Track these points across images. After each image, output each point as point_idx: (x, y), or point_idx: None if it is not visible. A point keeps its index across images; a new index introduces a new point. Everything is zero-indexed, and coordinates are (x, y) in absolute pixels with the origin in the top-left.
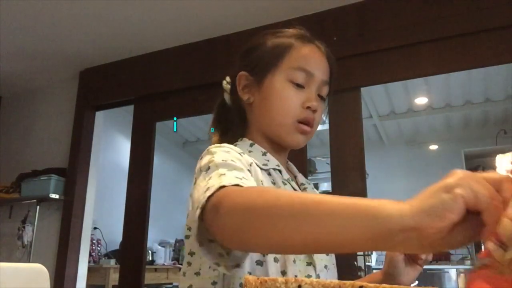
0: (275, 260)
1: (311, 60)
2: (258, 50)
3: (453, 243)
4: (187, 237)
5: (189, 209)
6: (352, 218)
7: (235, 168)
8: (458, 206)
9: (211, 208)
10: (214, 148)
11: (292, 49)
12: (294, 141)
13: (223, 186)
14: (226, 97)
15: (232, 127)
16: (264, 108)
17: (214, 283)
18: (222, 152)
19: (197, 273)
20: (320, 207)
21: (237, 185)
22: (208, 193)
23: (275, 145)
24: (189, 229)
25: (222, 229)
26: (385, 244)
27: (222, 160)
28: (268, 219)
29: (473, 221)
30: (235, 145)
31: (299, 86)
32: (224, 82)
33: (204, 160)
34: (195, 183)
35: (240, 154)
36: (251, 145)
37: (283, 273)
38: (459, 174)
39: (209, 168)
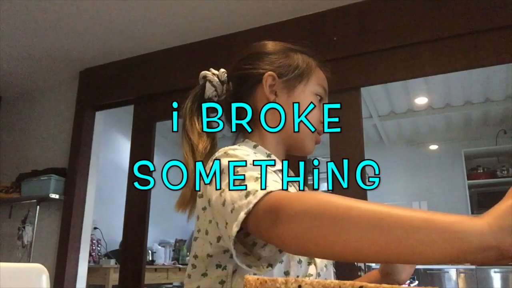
0: (280, 261)
1: (326, 81)
2: (287, 58)
3: None
4: (195, 239)
5: (200, 211)
6: (432, 234)
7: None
8: None
9: (266, 213)
10: (231, 150)
11: (316, 69)
12: (310, 149)
13: (270, 191)
14: (210, 89)
15: (240, 128)
16: (293, 112)
17: (222, 282)
18: (242, 154)
19: (204, 274)
20: (395, 220)
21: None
22: (254, 199)
23: (282, 149)
24: (199, 231)
25: (285, 236)
26: (463, 260)
27: (249, 164)
28: (340, 228)
29: None
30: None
31: (319, 100)
32: (209, 73)
33: (224, 162)
34: (210, 184)
35: (255, 155)
36: (254, 147)
37: (286, 273)
38: None
39: (236, 171)
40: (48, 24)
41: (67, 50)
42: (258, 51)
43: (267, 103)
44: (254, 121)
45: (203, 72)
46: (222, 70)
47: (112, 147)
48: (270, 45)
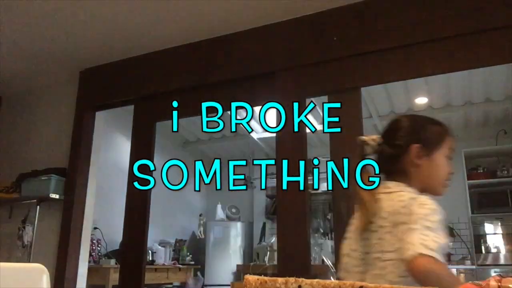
0: None
1: (453, 142)
2: (427, 132)
3: None
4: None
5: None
6: None
7: (441, 237)
8: None
9: (421, 264)
10: (431, 205)
11: (448, 136)
12: (441, 193)
13: (428, 255)
14: (369, 150)
15: (394, 174)
16: (432, 171)
17: None
18: (437, 214)
19: None
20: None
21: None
22: (422, 251)
23: (421, 192)
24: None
25: (424, 279)
26: None
27: (438, 226)
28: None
29: None
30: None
31: (449, 160)
32: (369, 138)
33: (426, 211)
34: (413, 217)
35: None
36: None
37: None
38: None
39: (429, 225)
40: (48, 24)
41: (67, 50)
42: (405, 127)
43: (413, 165)
44: (403, 173)
45: (362, 138)
46: (376, 136)
47: (112, 147)
48: (412, 122)
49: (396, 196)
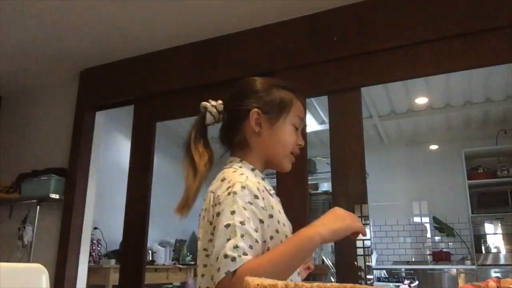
0: None
1: (303, 110)
2: (270, 95)
3: None
4: (199, 238)
5: (202, 214)
6: (304, 248)
7: (250, 235)
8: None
9: (237, 285)
10: (241, 191)
11: (295, 102)
12: (286, 167)
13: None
14: (209, 117)
15: (234, 146)
16: (273, 140)
17: None
18: (244, 196)
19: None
20: (291, 251)
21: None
22: (229, 268)
23: (265, 166)
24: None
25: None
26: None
27: (240, 223)
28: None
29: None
30: (240, 167)
31: (296, 128)
32: (209, 104)
33: (230, 201)
34: (220, 210)
35: (258, 189)
36: (252, 170)
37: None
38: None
39: (230, 224)
40: (48, 24)
41: (67, 50)
42: (246, 90)
43: (252, 134)
44: (244, 145)
45: (204, 103)
46: (220, 102)
47: (112, 147)
48: (256, 83)
49: (220, 175)
